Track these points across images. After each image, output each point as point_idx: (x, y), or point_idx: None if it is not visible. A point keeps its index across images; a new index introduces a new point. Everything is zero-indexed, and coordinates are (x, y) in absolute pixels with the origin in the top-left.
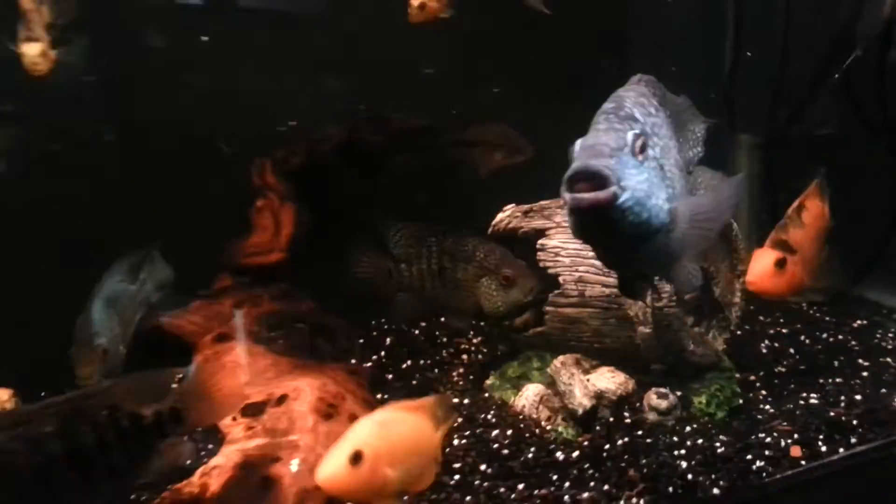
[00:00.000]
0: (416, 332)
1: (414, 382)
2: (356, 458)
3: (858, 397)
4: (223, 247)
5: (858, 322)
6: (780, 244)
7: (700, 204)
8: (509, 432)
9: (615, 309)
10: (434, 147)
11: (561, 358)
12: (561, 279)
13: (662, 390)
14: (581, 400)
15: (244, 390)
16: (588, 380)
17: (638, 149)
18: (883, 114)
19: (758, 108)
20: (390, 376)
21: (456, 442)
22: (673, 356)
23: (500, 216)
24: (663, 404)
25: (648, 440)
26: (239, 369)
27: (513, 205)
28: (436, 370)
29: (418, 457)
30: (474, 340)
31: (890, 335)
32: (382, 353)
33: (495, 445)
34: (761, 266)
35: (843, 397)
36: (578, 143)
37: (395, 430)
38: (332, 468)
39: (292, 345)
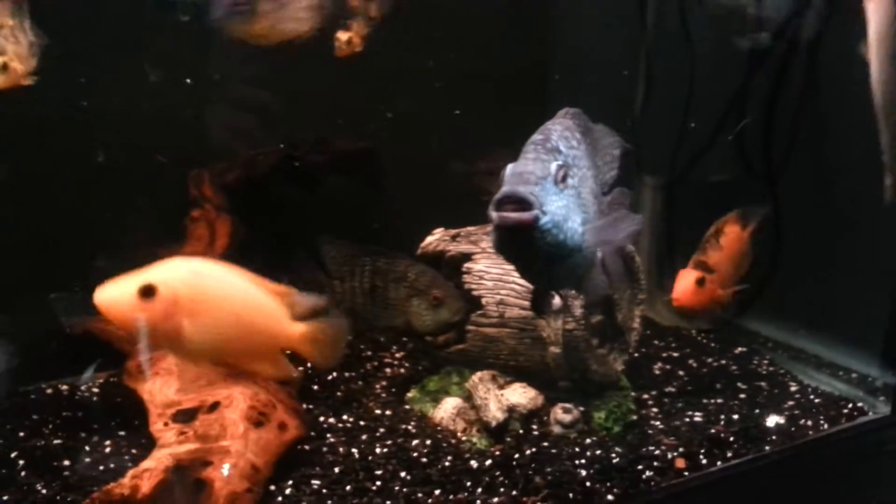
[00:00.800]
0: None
1: (339, 394)
2: (147, 291)
3: (736, 416)
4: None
5: (739, 349)
6: (700, 265)
7: (604, 230)
8: (428, 442)
9: (530, 330)
10: (373, 169)
11: (478, 374)
12: (483, 301)
13: (567, 405)
14: (495, 413)
15: None
16: (502, 394)
17: (560, 178)
18: (767, 167)
19: (664, 152)
20: (316, 387)
21: (378, 450)
22: (578, 375)
23: (428, 239)
24: (567, 418)
25: (553, 451)
26: (170, 377)
27: (441, 229)
28: (360, 382)
29: (243, 330)
30: (397, 355)
31: (765, 362)
32: (309, 364)
33: (415, 454)
34: (684, 284)
35: (722, 416)
36: (509, 169)
37: (213, 285)
38: (115, 292)
39: None
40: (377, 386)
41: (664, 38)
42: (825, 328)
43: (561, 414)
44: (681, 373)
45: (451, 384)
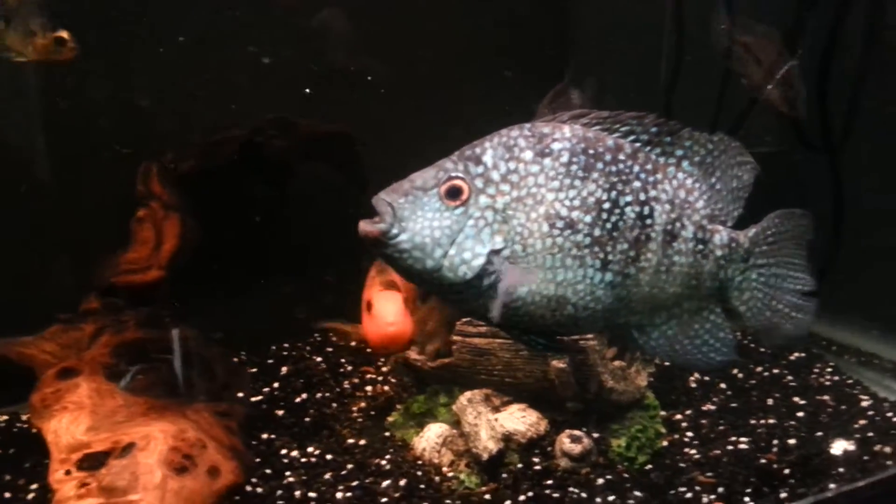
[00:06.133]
0: (320, 359)
1: (307, 419)
2: None
3: (792, 441)
4: (98, 262)
5: (795, 354)
6: (391, 284)
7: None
8: (402, 482)
9: None
10: (349, 155)
11: (468, 394)
12: None
13: (576, 433)
14: (486, 443)
15: None
16: (496, 419)
17: (444, 193)
18: (825, 132)
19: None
20: (281, 412)
21: (340, 495)
22: (590, 393)
23: None
24: (576, 449)
25: (556, 494)
26: (81, 412)
27: None
28: (334, 404)
29: None
30: (384, 368)
31: (829, 370)
32: (276, 384)
33: (384, 500)
34: (395, 308)
35: (775, 441)
36: None
37: None
38: None
39: (154, 380)
40: (354, 408)
41: None
42: None
43: (568, 444)
44: (723, 385)
45: (438, 405)
